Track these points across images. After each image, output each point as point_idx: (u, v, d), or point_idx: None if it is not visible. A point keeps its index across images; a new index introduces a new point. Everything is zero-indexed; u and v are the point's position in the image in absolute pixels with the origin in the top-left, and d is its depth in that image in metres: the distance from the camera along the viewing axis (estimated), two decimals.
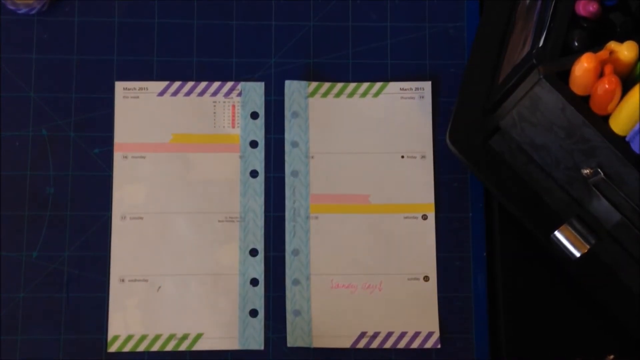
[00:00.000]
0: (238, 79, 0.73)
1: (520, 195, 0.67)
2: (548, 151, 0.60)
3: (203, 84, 0.73)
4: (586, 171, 0.57)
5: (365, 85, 0.73)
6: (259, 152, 0.72)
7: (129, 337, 0.69)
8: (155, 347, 0.69)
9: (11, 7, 0.72)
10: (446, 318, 0.70)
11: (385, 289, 0.70)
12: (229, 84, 0.73)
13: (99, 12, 0.73)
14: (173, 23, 0.74)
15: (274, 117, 0.73)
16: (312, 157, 0.72)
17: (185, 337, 0.69)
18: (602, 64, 0.53)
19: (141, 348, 0.69)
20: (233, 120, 0.72)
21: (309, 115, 0.73)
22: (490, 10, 0.71)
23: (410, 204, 0.71)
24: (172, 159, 0.71)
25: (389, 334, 0.70)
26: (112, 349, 0.68)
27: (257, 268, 0.70)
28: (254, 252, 0.71)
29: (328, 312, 0.70)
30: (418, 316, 0.70)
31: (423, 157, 0.72)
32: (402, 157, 0.72)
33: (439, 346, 0.69)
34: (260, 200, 0.71)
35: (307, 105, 0.73)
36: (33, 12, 0.72)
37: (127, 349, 0.68)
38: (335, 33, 0.74)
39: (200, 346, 0.69)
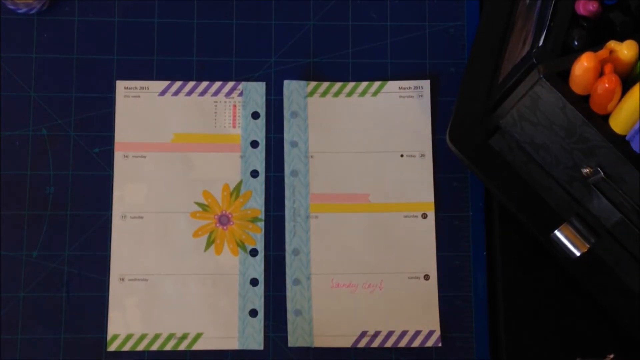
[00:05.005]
0: (238, 78, 0.73)
1: (520, 195, 0.67)
2: (548, 150, 0.61)
3: (204, 84, 0.73)
4: (586, 170, 0.57)
5: (364, 84, 0.73)
6: (260, 152, 0.72)
7: (129, 337, 0.69)
8: (155, 347, 0.69)
9: (11, 7, 0.72)
10: (447, 317, 0.70)
11: (385, 288, 0.70)
12: (230, 84, 0.73)
13: (99, 11, 0.73)
14: (173, 23, 0.74)
15: (274, 116, 0.73)
16: (312, 156, 0.72)
17: (184, 336, 0.69)
18: (602, 63, 0.53)
19: (141, 347, 0.69)
20: (234, 120, 0.72)
21: (308, 115, 0.73)
22: (490, 10, 0.71)
23: (410, 203, 0.72)
24: (173, 159, 0.71)
25: (390, 333, 0.70)
26: (112, 348, 0.68)
27: (257, 268, 0.70)
28: (254, 252, 0.71)
29: (329, 312, 0.70)
30: (419, 315, 0.70)
31: (422, 155, 0.72)
32: (402, 156, 0.72)
33: (439, 345, 0.69)
34: (261, 200, 0.71)
35: (306, 105, 0.73)
36: (33, 11, 0.72)
37: (126, 348, 0.68)
38: (335, 32, 0.74)
39: (199, 346, 0.69)
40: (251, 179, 0.72)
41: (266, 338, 0.69)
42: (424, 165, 0.72)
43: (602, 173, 0.56)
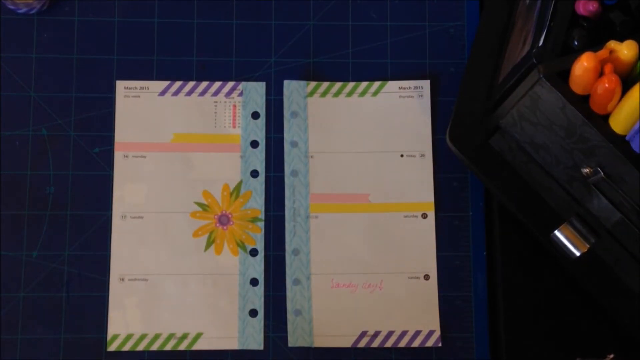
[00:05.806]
0: (238, 78, 0.73)
1: (520, 195, 0.67)
2: (548, 150, 0.61)
3: (204, 84, 0.73)
4: (586, 170, 0.57)
5: (364, 84, 0.73)
6: (260, 152, 0.72)
7: (129, 336, 0.69)
8: (155, 347, 0.69)
9: (11, 7, 0.72)
10: (447, 317, 0.70)
11: (385, 288, 0.70)
12: (230, 84, 0.73)
13: (99, 11, 0.73)
14: (173, 23, 0.74)
15: (274, 116, 0.73)
16: (312, 156, 0.72)
17: (184, 336, 0.69)
18: (602, 63, 0.53)
19: (140, 347, 0.69)
20: (234, 120, 0.72)
21: (308, 115, 0.73)
22: (490, 10, 0.72)
23: (410, 203, 0.72)
24: (173, 159, 0.71)
25: (390, 333, 0.70)
26: (112, 348, 0.68)
27: (257, 268, 0.70)
28: (254, 252, 0.71)
29: (329, 312, 0.70)
30: (419, 315, 0.70)
31: (422, 155, 0.72)
32: (402, 156, 0.72)
33: (439, 345, 0.69)
34: (261, 200, 0.71)
35: (306, 105, 0.73)
36: (33, 11, 0.72)
37: (126, 348, 0.68)
38: (335, 32, 0.74)
39: (199, 346, 0.69)
40: (251, 179, 0.72)
41: (266, 338, 0.70)
42: (424, 165, 0.72)
43: (602, 173, 0.56)
